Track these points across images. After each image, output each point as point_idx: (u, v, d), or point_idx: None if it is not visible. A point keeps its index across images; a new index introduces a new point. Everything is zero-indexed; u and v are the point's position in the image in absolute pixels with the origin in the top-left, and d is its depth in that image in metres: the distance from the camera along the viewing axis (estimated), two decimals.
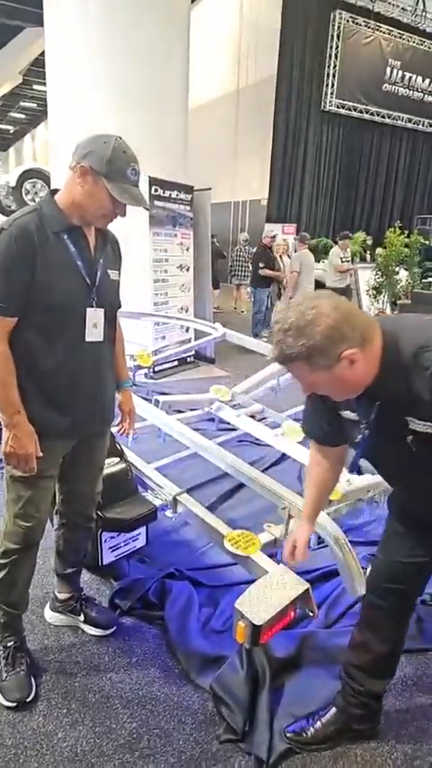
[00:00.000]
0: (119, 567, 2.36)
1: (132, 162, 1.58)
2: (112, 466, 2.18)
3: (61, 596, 2.12)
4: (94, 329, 1.68)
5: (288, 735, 1.69)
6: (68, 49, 5.52)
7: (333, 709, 1.72)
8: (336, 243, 12.65)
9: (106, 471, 2.04)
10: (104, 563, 2.16)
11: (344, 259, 8.32)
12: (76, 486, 1.93)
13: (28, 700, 1.77)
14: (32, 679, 1.84)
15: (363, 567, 2.36)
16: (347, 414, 1.39)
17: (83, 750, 1.64)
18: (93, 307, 1.66)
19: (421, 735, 1.74)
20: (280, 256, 8.63)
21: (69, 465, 1.84)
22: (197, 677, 1.90)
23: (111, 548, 2.15)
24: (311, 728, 1.70)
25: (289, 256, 8.96)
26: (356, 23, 13.68)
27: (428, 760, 1.65)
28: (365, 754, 1.66)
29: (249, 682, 1.79)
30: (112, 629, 2.10)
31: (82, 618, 2.10)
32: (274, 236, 8.88)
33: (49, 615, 2.15)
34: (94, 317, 1.67)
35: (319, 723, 1.70)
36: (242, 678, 1.80)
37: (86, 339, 1.67)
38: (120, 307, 1.83)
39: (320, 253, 12.36)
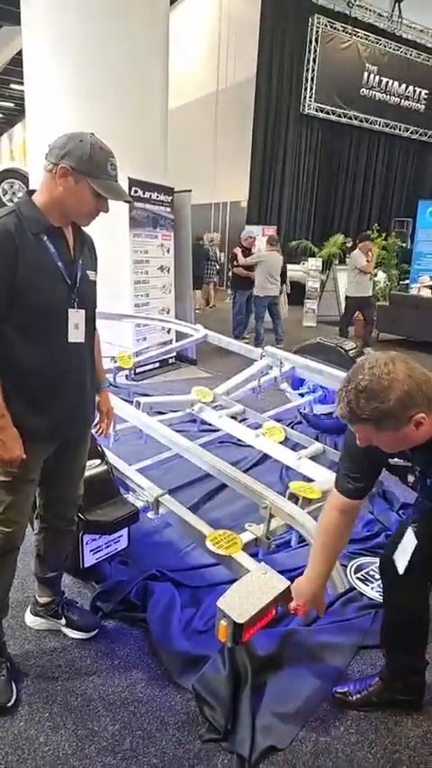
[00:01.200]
0: (100, 569, 2.35)
1: (110, 157, 1.59)
2: (93, 468, 2.17)
3: (42, 600, 2.10)
4: (75, 330, 1.68)
5: (336, 693, 1.83)
6: (46, 48, 5.47)
7: (379, 681, 1.81)
8: (313, 244, 12.66)
9: (87, 473, 2.03)
10: (86, 566, 2.14)
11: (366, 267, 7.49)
12: (58, 489, 1.92)
13: (9, 704, 1.76)
14: (13, 684, 1.82)
15: (342, 564, 2.39)
16: (397, 461, 1.46)
17: (65, 753, 1.63)
18: (74, 308, 1.66)
19: (400, 728, 1.76)
20: None
21: (50, 468, 1.83)
22: (179, 678, 1.91)
23: (92, 550, 2.14)
24: (357, 694, 1.81)
25: None
26: (334, 28, 13.83)
27: (408, 752, 1.68)
28: (346, 749, 1.69)
29: (231, 681, 1.80)
30: (94, 633, 2.09)
31: (63, 621, 2.09)
32: (254, 238, 8.91)
33: (30, 620, 2.13)
34: (76, 317, 1.67)
35: (365, 692, 1.81)
36: (224, 677, 1.81)
37: (69, 340, 1.67)
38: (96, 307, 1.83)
39: (300, 255, 12.48)
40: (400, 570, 1.56)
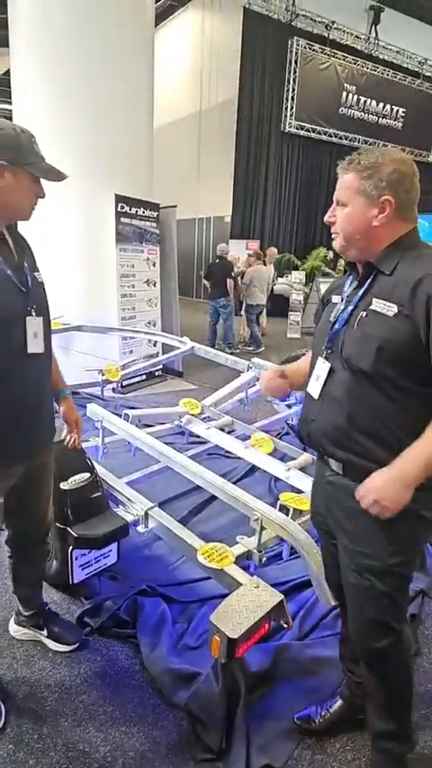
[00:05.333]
0: (90, 584, 2.31)
1: (32, 137, 1.47)
2: (81, 482, 2.14)
3: (25, 612, 2.06)
4: (35, 339, 1.56)
5: (297, 721, 1.77)
6: (34, 68, 5.50)
7: (339, 701, 1.78)
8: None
9: (76, 487, 2.00)
10: (75, 581, 2.10)
11: None
12: (26, 520, 1.85)
13: None
14: (1, 705, 1.77)
15: None
16: (335, 298, 1.46)
17: None
18: (32, 315, 1.55)
19: None
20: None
21: (17, 500, 1.75)
22: (171, 695, 1.87)
23: (81, 565, 2.10)
24: (319, 717, 1.77)
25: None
26: (313, 50, 14.15)
27: None
28: (342, 767, 1.66)
29: (225, 698, 1.77)
30: (75, 646, 2.05)
31: (45, 633, 2.05)
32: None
33: (14, 629, 2.10)
34: (34, 326, 1.56)
35: (326, 713, 1.77)
36: (217, 694, 1.78)
37: (29, 351, 1.55)
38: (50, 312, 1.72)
39: (284, 268, 12.62)
40: None
